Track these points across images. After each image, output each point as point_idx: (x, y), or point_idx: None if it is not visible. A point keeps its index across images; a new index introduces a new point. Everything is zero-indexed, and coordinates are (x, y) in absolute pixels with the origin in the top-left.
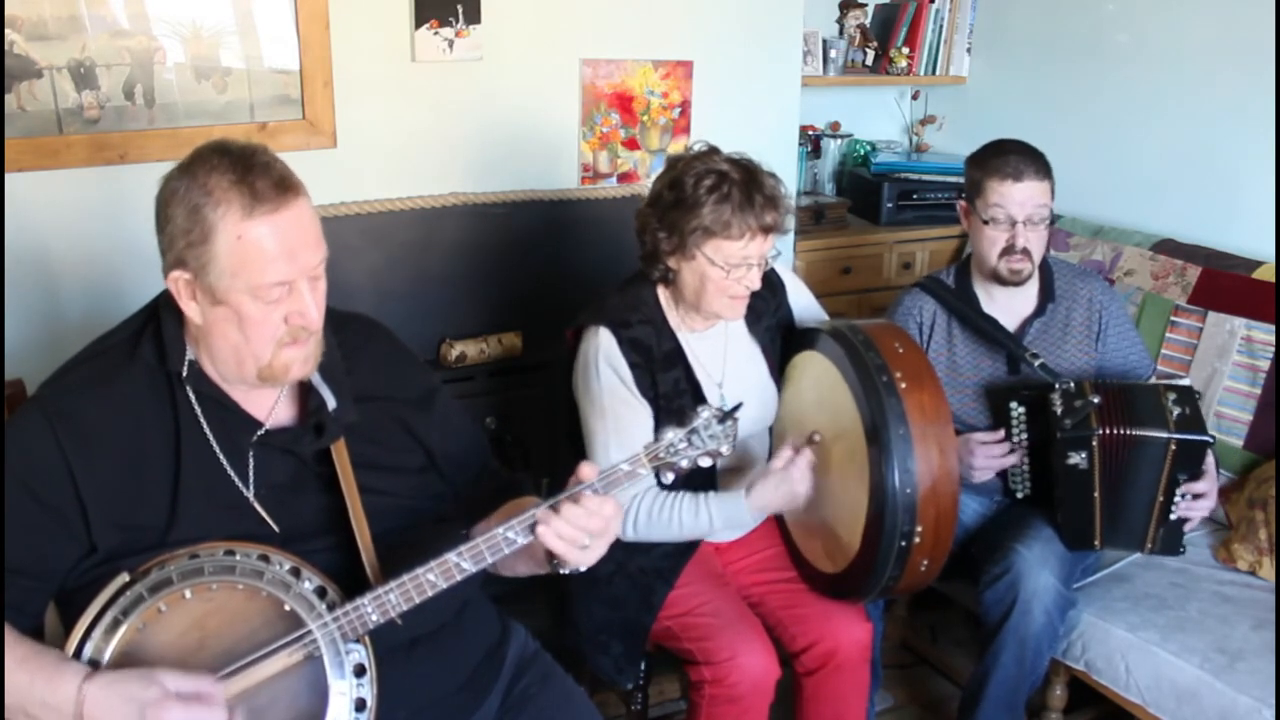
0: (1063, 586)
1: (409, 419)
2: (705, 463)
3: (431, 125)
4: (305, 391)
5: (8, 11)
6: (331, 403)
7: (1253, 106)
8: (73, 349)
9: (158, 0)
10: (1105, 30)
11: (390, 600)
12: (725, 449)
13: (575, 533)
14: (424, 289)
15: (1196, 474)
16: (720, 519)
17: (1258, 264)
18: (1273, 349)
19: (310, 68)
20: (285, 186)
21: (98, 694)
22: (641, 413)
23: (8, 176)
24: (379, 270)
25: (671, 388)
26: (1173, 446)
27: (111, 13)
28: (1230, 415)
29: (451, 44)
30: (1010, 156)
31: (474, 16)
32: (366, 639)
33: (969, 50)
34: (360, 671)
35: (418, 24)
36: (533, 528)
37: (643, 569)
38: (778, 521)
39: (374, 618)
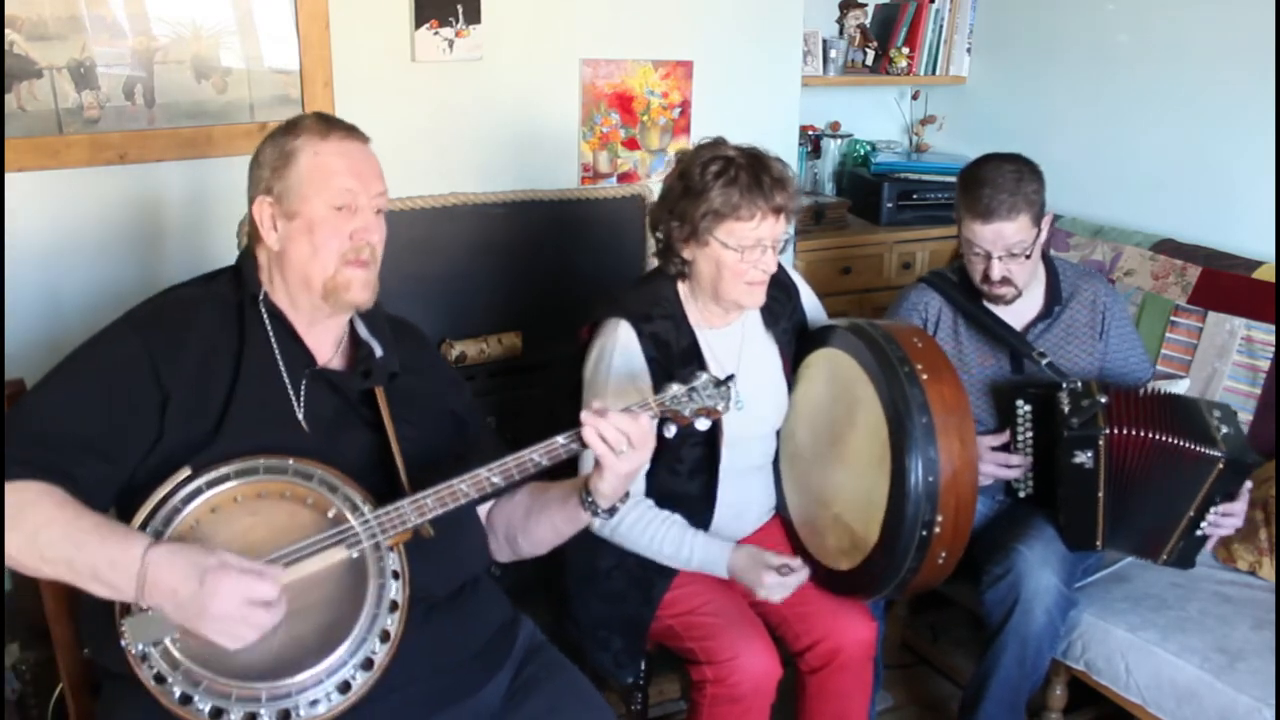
0: (1064, 586)
1: (444, 395)
2: (702, 424)
3: (431, 125)
4: (355, 346)
5: (8, 11)
6: (379, 351)
7: (1253, 107)
8: (73, 349)
9: (158, 0)
10: (1105, 30)
11: (426, 504)
12: (721, 407)
13: (617, 435)
14: (424, 289)
15: (1235, 494)
16: (698, 558)
17: (1258, 264)
18: (1273, 349)
19: (310, 68)
20: (356, 131)
21: (163, 557)
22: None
23: (8, 176)
24: (379, 270)
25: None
26: (1220, 465)
27: (111, 13)
28: (1230, 405)
29: (451, 44)
30: (984, 190)
31: (474, 16)
32: (401, 549)
33: (969, 50)
34: (395, 576)
35: (418, 24)
36: (566, 449)
37: (642, 564)
38: (782, 521)
39: (412, 518)
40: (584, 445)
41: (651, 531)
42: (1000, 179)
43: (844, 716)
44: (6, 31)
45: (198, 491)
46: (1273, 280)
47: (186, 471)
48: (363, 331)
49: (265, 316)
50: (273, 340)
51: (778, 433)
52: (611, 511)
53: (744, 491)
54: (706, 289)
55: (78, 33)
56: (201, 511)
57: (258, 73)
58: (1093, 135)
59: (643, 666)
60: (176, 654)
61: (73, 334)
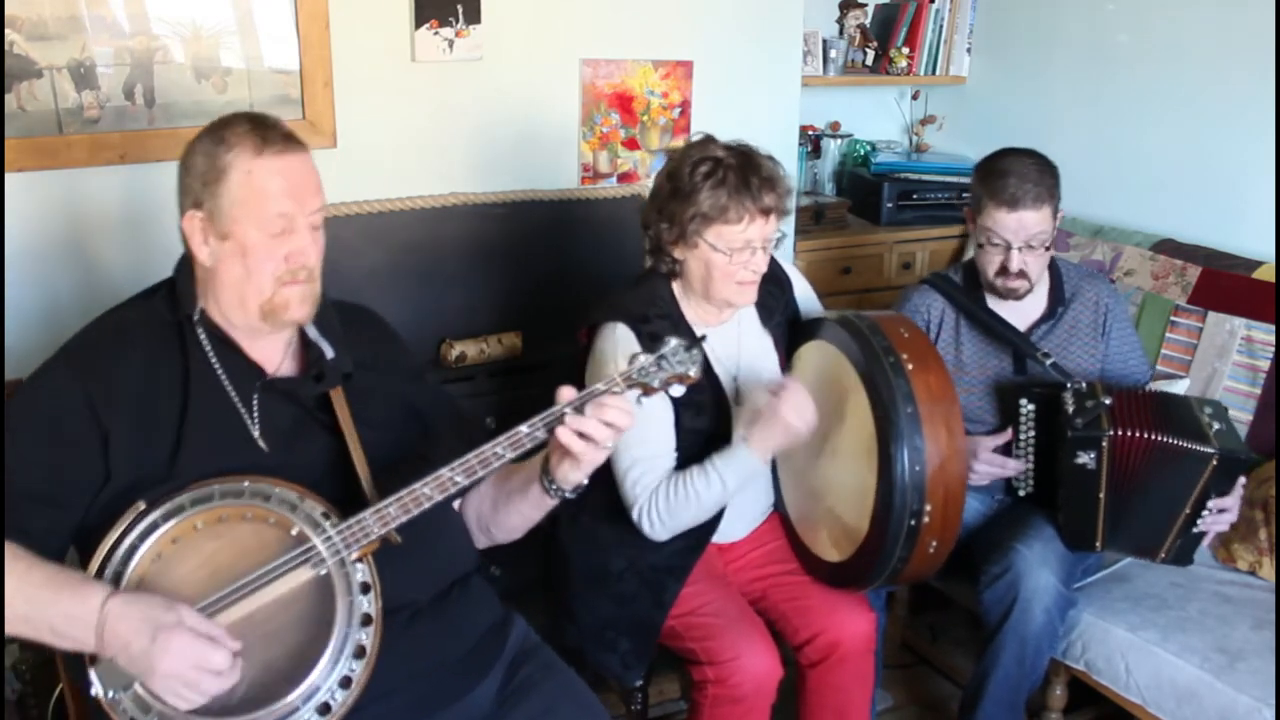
0: (1063, 586)
1: (403, 390)
2: (676, 391)
3: (431, 125)
4: (305, 347)
5: (8, 11)
6: (330, 353)
7: (1253, 106)
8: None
9: (158, 0)
10: (1106, 30)
11: (390, 512)
12: (694, 372)
13: (605, 431)
14: (424, 289)
15: (1228, 491)
16: (731, 475)
17: (1258, 264)
18: (1273, 349)
19: (310, 68)
20: (292, 138)
21: (120, 609)
22: (661, 409)
23: (8, 176)
24: (379, 270)
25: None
26: (1214, 462)
27: (111, 13)
28: (1230, 415)
29: (451, 44)
30: (1009, 179)
31: (474, 16)
32: (370, 559)
33: (969, 50)
34: (365, 589)
35: (418, 24)
36: (531, 438)
37: (654, 566)
38: (781, 517)
39: (375, 529)
40: (550, 434)
41: (684, 493)
42: (1025, 169)
43: (845, 710)
44: (6, 31)
45: (154, 526)
46: (1273, 280)
47: (141, 506)
48: (312, 333)
49: (204, 336)
50: (214, 361)
51: None
52: (576, 490)
53: (744, 491)
54: (697, 289)
55: (78, 33)
56: (162, 544)
57: (258, 73)
58: (1093, 135)
59: None
60: (148, 698)
61: (72, 334)
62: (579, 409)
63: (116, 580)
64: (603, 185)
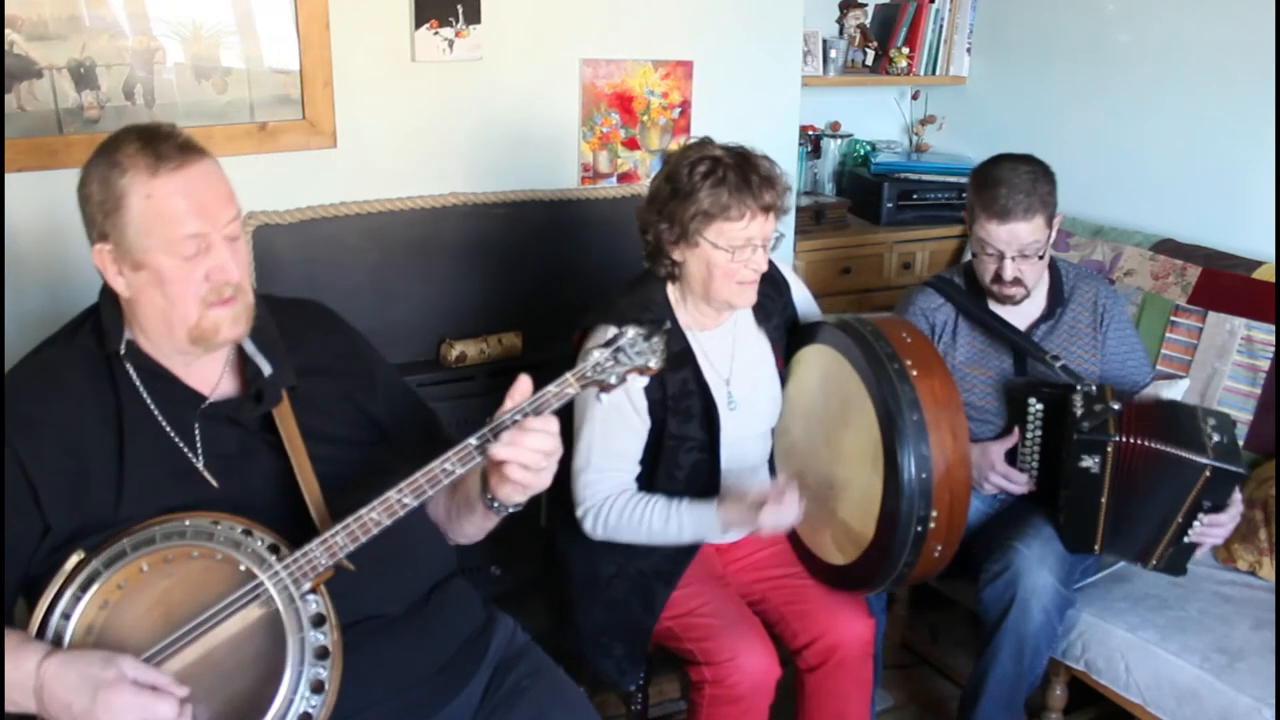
0: (1061, 586)
1: (355, 393)
2: (637, 381)
3: (431, 125)
4: (244, 360)
5: (8, 11)
6: (267, 369)
7: (1253, 106)
8: None
9: (158, 0)
10: (1105, 30)
11: (337, 541)
12: (654, 363)
13: (534, 455)
14: (424, 289)
15: (1223, 504)
16: (690, 528)
17: (1258, 264)
18: (1273, 349)
19: (310, 68)
20: (189, 148)
21: (56, 670)
22: (634, 425)
23: (8, 176)
24: (379, 270)
25: (679, 388)
26: (1207, 473)
27: (111, 13)
28: (1236, 430)
29: (451, 44)
30: (1000, 190)
31: (474, 16)
32: (323, 589)
33: (969, 50)
34: (319, 621)
35: (418, 24)
36: (480, 451)
37: (643, 571)
38: None
39: (324, 561)
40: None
41: (638, 517)
42: (1016, 179)
43: (843, 715)
44: (6, 31)
45: (95, 574)
46: (1273, 280)
47: (78, 556)
48: (248, 348)
49: (132, 370)
50: (145, 396)
51: (772, 430)
52: (519, 505)
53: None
54: (697, 290)
55: (78, 33)
56: (107, 591)
57: (258, 73)
58: (1093, 135)
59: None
60: None
61: None
62: (526, 415)
63: (60, 633)
64: (602, 185)
